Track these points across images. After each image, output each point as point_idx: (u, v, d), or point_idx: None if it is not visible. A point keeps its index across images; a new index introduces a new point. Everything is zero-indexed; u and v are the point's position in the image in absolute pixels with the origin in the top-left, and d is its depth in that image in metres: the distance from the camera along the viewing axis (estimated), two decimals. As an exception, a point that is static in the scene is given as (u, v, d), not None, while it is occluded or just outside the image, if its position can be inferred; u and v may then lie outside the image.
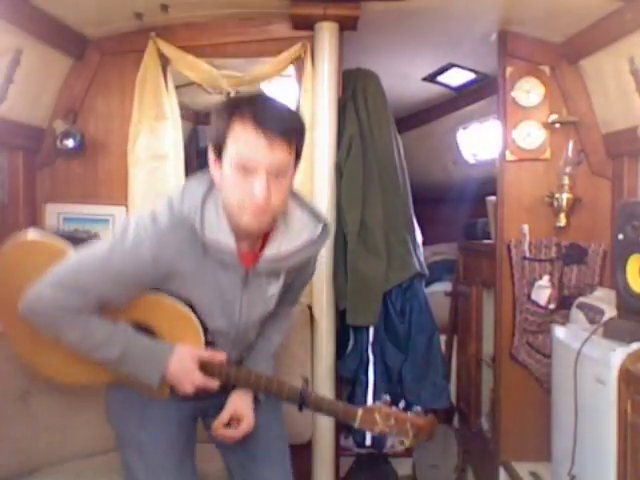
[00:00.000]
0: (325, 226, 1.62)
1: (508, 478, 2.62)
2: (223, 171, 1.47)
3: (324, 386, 2.43)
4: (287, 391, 1.66)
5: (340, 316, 2.48)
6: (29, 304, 1.59)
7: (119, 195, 2.54)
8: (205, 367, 1.64)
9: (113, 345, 1.59)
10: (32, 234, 1.75)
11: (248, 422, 1.69)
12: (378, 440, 2.49)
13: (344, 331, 2.52)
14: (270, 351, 1.81)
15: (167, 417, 1.71)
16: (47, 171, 2.57)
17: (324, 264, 2.44)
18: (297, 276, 1.71)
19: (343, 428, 2.60)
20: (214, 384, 1.62)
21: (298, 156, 1.53)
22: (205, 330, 1.64)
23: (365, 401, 2.42)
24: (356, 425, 1.62)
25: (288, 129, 1.44)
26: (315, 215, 1.63)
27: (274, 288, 1.62)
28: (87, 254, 1.61)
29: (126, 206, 2.53)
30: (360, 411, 1.62)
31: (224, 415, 1.69)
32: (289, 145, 1.45)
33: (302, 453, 2.40)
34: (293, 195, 1.62)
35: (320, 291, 2.46)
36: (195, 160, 4.26)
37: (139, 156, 2.49)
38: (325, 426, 2.43)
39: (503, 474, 2.65)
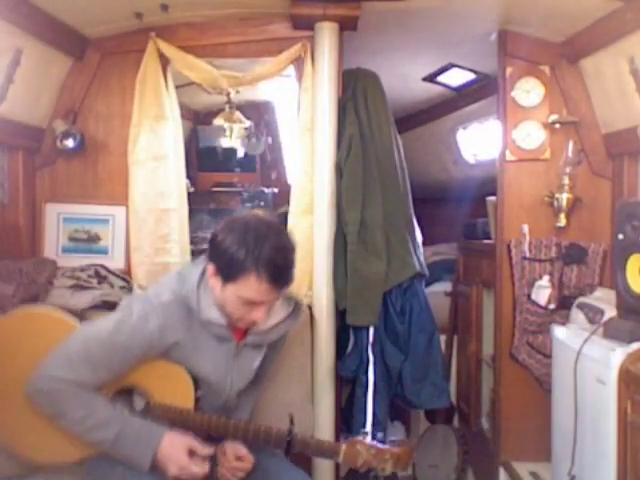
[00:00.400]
0: (297, 304, 1.91)
1: (508, 478, 2.62)
2: (225, 293, 1.71)
3: (324, 386, 2.43)
4: (274, 437, 1.77)
5: (340, 316, 2.48)
6: (37, 381, 1.70)
7: (119, 195, 2.54)
8: (191, 419, 1.76)
9: (111, 425, 1.70)
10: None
11: (250, 458, 1.81)
12: (378, 440, 2.49)
13: (344, 331, 2.52)
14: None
15: None
16: (47, 171, 2.57)
17: (324, 264, 2.44)
18: (269, 354, 1.93)
19: (343, 428, 2.60)
20: (200, 470, 1.72)
21: None
22: (196, 389, 1.79)
23: (365, 402, 2.42)
24: (340, 460, 1.77)
25: (290, 280, 1.73)
26: (287, 297, 1.89)
27: (257, 361, 1.87)
28: (94, 330, 1.78)
29: (126, 206, 2.52)
30: (343, 446, 1.76)
31: (228, 452, 1.79)
32: (287, 287, 1.75)
33: (302, 453, 2.40)
34: None
35: (320, 291, 2.46)
36: (195, 160, 4.27)
37: (139, 156, 2.48)
38: (325, 426, 2.43)
39: (503, 474, 2.65)
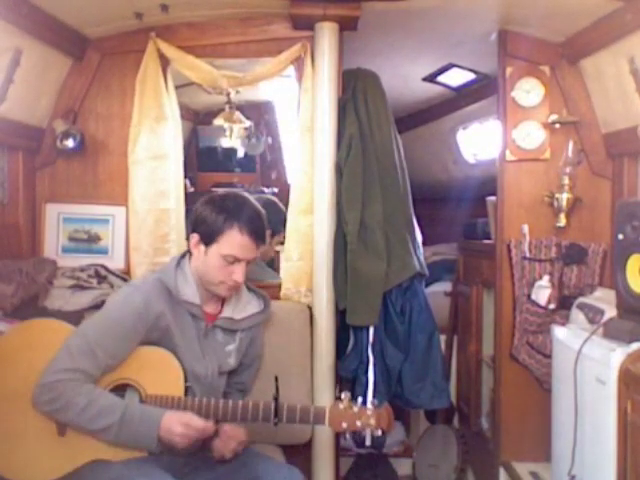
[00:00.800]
0: (266, 301, 2.12)
1: (508, 478, 2.62)
2: (208, 256, 1.89)
3: (324, 386, 2.43)
4: (262, 409, 1.83)
5: (340, 316, 2.48)
6: (42, 379, 1.76)
7: (119, 195, 2.54)
8: (182, 405, 1.82)
9: (114, 410, 1.76)
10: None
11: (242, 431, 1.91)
12: (378, 440, 2.49)
13: (344, 331, 2.52)
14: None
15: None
16: (47, 171, 2.57)
17: (324, 264, 2.44)
18: (248, 348, 2.09)
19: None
20: (203, 424, 1.78)
21: None
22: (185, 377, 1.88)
23: (365, 401, 2.42)
24: (326, 423, 1.83)
25: (265, 234, 1.95)
26: (257, 293, 2.12)
27: (230, 345, 2.02)
28: (89, 321, 1.95)
29: (126, 206, 2.52)
30: (327, 407, 1.85)
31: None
32: (263, 244, 1.96)
33: (302, 453, 2.40)
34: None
35: (320, 291, 2.46)
36: (195, 160, 4.27)
37: (139, 156, 2.48)
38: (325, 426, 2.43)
39: (503, 474, 2.65)
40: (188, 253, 1.97)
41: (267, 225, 1.96)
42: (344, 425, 1.82)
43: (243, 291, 2.06)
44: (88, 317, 2.14)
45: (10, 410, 1.82)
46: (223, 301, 2.02)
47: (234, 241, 1.86)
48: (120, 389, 1.86)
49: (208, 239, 1.88)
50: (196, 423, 1.77)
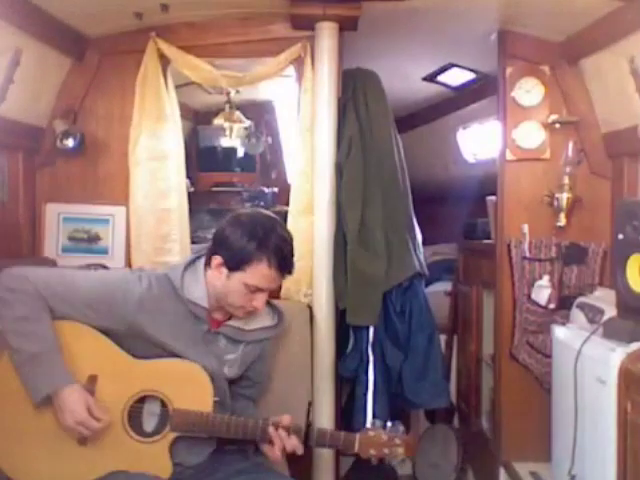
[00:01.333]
0: (281, 316, 2.03)
1: (508, 478, 2.62)
2: (230, 281, 1.82)
3: (324, 386, 2.43)
4: (293, 430, 1.81)
5: (340, 316, 2.48)
6: (17, 270, 1.80)
7: (119, 195, 2.54)
8: (210, 422, 1.79)
9: (37, 342, 1.74)
10: None
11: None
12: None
13: (344, 331, 2.52)
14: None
15: None
16: (47, 171, 2.57)
17: (324, 264, 2.44)
18: (253, 363, 2.00)
19: (343, 428, 2.60)
20: (99, 425, 1.74)
21: None
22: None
23: (365, 401, 2.42)
24: (356, 450, 1.82)
25: (293, 266, 1.87)
26: (272, 307, 2.03)
27: (232, 355, 1.93)
28: (86, 272, 2.10)
29: (126, 206, 2.52)
30: (358, 435, 1.82)
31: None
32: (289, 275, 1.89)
33: (302, 453, 2.40)
34: None
35: (320, 291, 2.46)
36: (195, 160, 4.27)
37: (140, 156, 2.48)
38: (325, 426, 2.42)
39: (503, 474, 2.65)
40: (205, 258, 1.89)
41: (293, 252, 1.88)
42: (372, 452, 1.82)
43: None
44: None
45: (30, 420, 1.79)
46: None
47: (261, 273, 1.80)
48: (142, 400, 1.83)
49: (233, 265, 1.81)
50: (90, 424, 1.74)
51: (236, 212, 1.93)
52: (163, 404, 1.81)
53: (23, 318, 1.74)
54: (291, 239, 1.88)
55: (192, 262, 1.91)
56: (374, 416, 2.41)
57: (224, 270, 1.82)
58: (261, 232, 1.80)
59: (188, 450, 1.84)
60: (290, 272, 1.87)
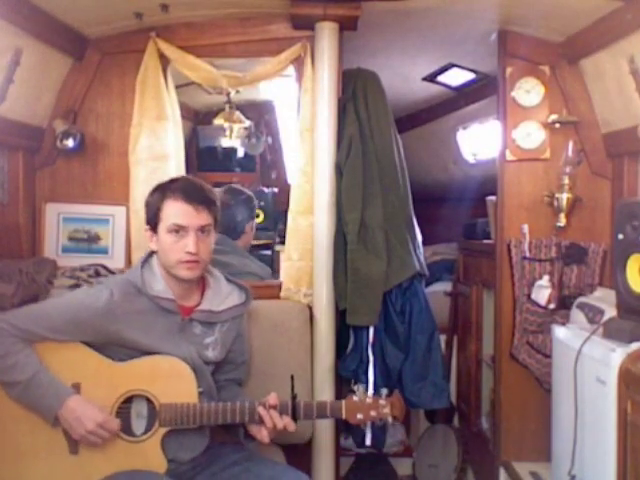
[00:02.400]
0: (248, 291, 2.07)
1: (508, 478, 2.62)
2: (160, 239, 1.88)
3: (324, 386, 2.43)
4: (280, 406, 1.85)
5: (340, 316, 2.48)
6: None
7: (119, 195, 2.54)
8: (198, 412, 1.81)
9: (26, 370, 1.78)
10: None
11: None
12: (378, 440, 2.49)
13: (344, 331, 2.52)
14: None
15: None
16: (47, 171, 2.56)
17: (324, 264, 2.44)
18: (234, 344, 2.05)
19: (343, 428, 2.60)
20: (113, 424, 1.79)
21: (216, 221, 1.94)
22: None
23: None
24: (343, 416, 1.87)
25: (206, 198, 1.90)
26: (238, 286, 2.07)
27: (210, 338, 1.96)
28: (55, 298, 2.12)
29: (126, 206, 2.52)
30: (344, 402, 1.88)
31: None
32: (209, 210, 1.89)
33: (302, 453, 2.40)
34: (221, 272, 2.06)
35: (320, 291, 2.46)
36: (195, 160, 4.27)
37: (140, 156, 2.48)
38: (325, 426, 2.43)
39: (503, 474, 2.65)
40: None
41: (211, 193, 1.93)
42: (359, 416, 1.86)
43: (222, 283, 2.03)
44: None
45: (20, 430, 1.81)
46: (202, 294, 1.98)
47: (172, 210, 1.85)
48: (130, 402, 1.85)
49: (154, 222, 1.89)
50: (110, 425, 1.79)
51: None
52: (149, 402, 1.83)
53: (1, 356, 1.78)
54: (200, 182, 1.94)
55: (147, 259, 1.95)
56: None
57: (153, 236, 1.90)
58: (165, 182, 1.92)
59: (180, 446, 1.86)
60: (207, 204, 1.88)
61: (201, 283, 1.99)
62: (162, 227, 1.87)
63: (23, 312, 1.88)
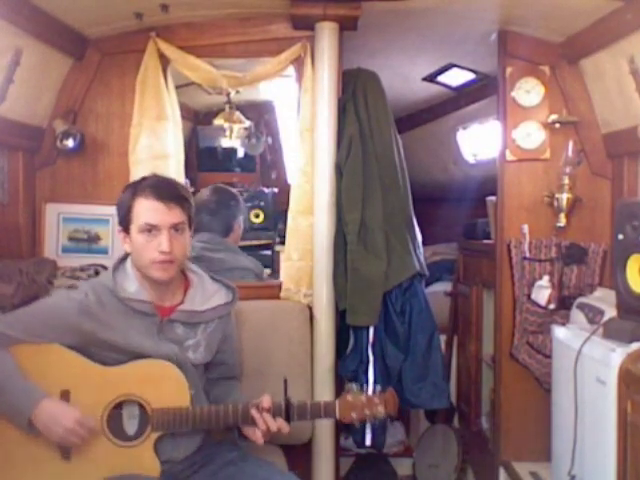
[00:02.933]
0: (234, 290, 2.00)
1: (508, 478, 2.62)
2: (132, 240, 1.82)
3: (324, 386, 2.43)
4: (274, 408, 1.82)
5: (340, 316, 2.48)
6: None
7: (119, 195, 2.53)
8: (191, 415, 1.79)
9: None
10: None
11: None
12: (378, 440, 2.49)
13: (344, 331, 2.52)
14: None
15: None
16: (47, 171, 2.56)
17: (324, 264, 2.44)
18: (221, 345, 2.00)
19: (343, 428, 2.60)
20: (91, 422, 1.76)
21: (190, 219, 1.88)
22: None
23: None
24: (337, 416, 1.85)
25: (178, 195, 1.84)
26: (225, 285, 2.00)
27: (192, 340, 1.90)
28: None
29: (126, 206, 2.52)
30: (337, 401, 1.87)
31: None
32: (181, 208, 1.83)
33: (302, 453, 2.40)
34: (205, 271, 2.00)
35: (320, 291, 2.46)
36: (195, 160, 4.27)
37: (140, 156, 2.48)
38: (325, 426, 2.43)
39: (503, 474, 2.65)
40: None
41: (183, 190, 1.88)
42: (353, 415, 1.85)
43: (206, 281, 1.97)
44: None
45: (11, 438, 1.78)
46: (185, 293, 1.93)
47: (142, 209, 1.80)
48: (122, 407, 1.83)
49: (125, 223, 1.83)
50: (89, 423, 1.75)
51: None
52: (141, 406, 1.81)
53: None
54: (171, 179, 1.92)
55: (121, 262, 1.91)
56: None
57: (126, 237, 1.85)
58: (136, 181, 1.89)
59: (174, 446, 1.85)
60: (179, 201, 1.82)
61: (184, 282, 1.94)
62: (134, 227, 1.81)
63: None
